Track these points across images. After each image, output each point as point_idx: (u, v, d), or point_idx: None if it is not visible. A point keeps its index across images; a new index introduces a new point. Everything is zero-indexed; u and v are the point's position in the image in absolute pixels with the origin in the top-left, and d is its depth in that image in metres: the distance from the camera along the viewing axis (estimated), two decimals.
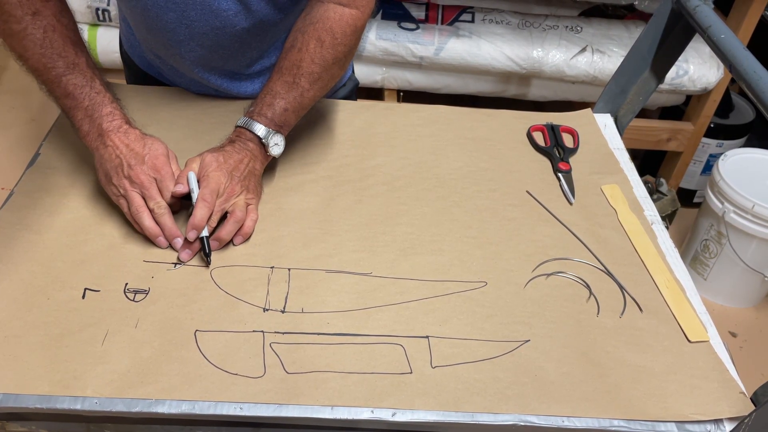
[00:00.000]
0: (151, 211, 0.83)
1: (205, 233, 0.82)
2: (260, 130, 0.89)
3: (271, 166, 0.95)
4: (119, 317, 0.75)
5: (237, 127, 0.92)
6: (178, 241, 0.83)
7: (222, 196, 0.85)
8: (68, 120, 0.89)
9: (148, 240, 0.84)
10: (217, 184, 0.85)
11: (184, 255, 0.83)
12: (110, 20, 1.87)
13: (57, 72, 0.85)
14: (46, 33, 0.84)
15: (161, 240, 0.83)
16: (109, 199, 0.86)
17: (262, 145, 0.90)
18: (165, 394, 0.68)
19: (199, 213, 0.82)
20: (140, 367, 0.70)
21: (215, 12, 0.92)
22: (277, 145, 0.91)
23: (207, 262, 0.82)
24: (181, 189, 0.85)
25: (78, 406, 0.67)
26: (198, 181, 0.86)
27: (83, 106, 0.86)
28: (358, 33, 0.92)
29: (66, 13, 0.87)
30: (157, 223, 0.83)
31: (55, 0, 0.85)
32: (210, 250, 0.82)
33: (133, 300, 0.77)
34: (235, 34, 0.96)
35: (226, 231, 0.84)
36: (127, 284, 0.79)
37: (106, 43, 1.89)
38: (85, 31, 1.89)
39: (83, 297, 0.77)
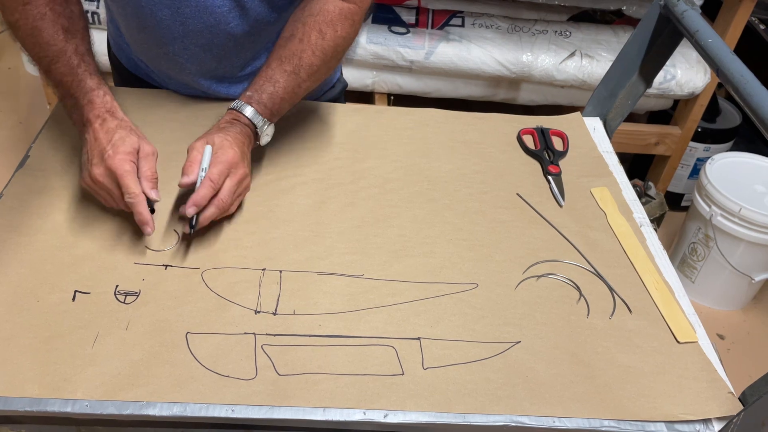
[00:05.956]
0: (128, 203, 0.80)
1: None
2: (257, 118, 0.90)
3: (263, 169, 0.94)
4: (110, 319, 0.75)
5: (233, 109, 0.90)
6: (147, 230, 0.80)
7: (233, 178, 0.84)
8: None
9: (139, 242, 0.84)
10: (228, 165, 0.83)
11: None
12: (99, 23, 1.86)
13: (47, 62, 0.85)
14: (35, 23, 0.84)
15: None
16: (99, 202, 0.86)
17: (255, 132, 0.91)
18: (156, 396, 0.68)
19: (203, 191, 0.81)
20: (131, 369, 0.70)
21: (209, 9, 0.93)
22: (267, 135, 0.93)
23: (189, 233, 0.82)
24: (188, 180, 0.82)
25: (68, 409, 0.66)
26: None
27: (70, 95, 0.86)
28: (356, 26, 0.93)
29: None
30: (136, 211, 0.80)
31: None
32: (196, 223, 0.82)
33: (124, 302, 0.77)
34: (229, 32, 0.96)
35: (208, 214, 0.83)
36: (117, 286, 0.79)
37: (95, 45, 1.87)
38: None
39: (73, 299, 0.77)
